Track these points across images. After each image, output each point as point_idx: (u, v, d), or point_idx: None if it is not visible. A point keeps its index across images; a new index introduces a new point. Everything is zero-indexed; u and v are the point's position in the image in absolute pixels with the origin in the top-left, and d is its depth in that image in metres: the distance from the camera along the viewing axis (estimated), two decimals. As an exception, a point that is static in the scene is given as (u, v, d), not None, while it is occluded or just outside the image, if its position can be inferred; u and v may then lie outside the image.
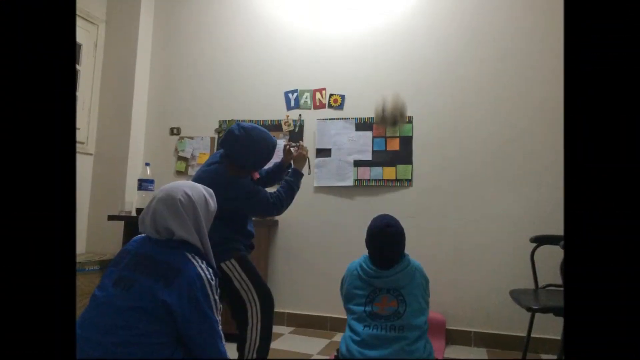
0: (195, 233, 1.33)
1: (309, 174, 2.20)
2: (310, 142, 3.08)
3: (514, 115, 2.74)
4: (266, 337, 1.78)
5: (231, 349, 1.50)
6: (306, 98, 3.15)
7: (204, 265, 1.30)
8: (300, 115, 3.16)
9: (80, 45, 3.26)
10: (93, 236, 3.27)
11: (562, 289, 2.07)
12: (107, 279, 1.27)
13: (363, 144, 2.99)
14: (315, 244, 3.02)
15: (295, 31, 3.22)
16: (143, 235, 1.37)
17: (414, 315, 1.62)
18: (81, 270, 2.75)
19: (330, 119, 3.08)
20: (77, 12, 3.11)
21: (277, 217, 3.02)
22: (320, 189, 3.06)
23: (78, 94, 3.24)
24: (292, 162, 2.08)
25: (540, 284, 2.22)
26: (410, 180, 2.88)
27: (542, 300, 1.95)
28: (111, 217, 2.87)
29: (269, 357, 1.81)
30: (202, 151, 3.34)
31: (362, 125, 3.02)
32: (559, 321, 2.28)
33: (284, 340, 2.73)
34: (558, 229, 2.39)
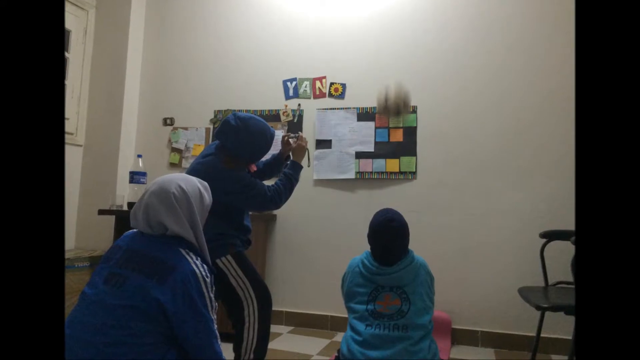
0: (189, 228, 1.31)
1: (309, 166, 2.17)
2: (309, 132, 3.03)
3: (522, 107, 2.71)
4: (264, 336, 1.77)
5: (227, 349, 1.48)
6: (305, 87, 3.10)
7: (198, 262, 1.27)
8: (299, 104, 3.11)
9: (69, 32, 3.22)
10: (83, 231, 3.24)
11: (573, 286, 2.05)
12: (97, 276, 1.25)
13: (365, 135, 2.94)
14: (315, 239, 2.99)
15: (294, 17, 3.17)
16: (135, 230, 1.35)
17: (418, 314, 1.59)
18: (70, 267, 2.74)
19: (331, 109, 3.03)
20: (66, -3, 3.03)
21: (275, 212, 3.00)
22: (320, 182, 3.01)
23: (67, 82, 3.21)
24: (290, 153, 2.06)
25: (551, 282, 2.21)
26: (414, 173, 2.83)
27: (552, 298, 1.93)
28: (102, 212, 2.85)
29: (266, 358, 1.80)
30: (196, 142, 3.31)
31: (364, 115, 2.96)
32: (570, 320, 2.27)
33: (283, 340, 2.71)
34: (567, 224, 2.37)
